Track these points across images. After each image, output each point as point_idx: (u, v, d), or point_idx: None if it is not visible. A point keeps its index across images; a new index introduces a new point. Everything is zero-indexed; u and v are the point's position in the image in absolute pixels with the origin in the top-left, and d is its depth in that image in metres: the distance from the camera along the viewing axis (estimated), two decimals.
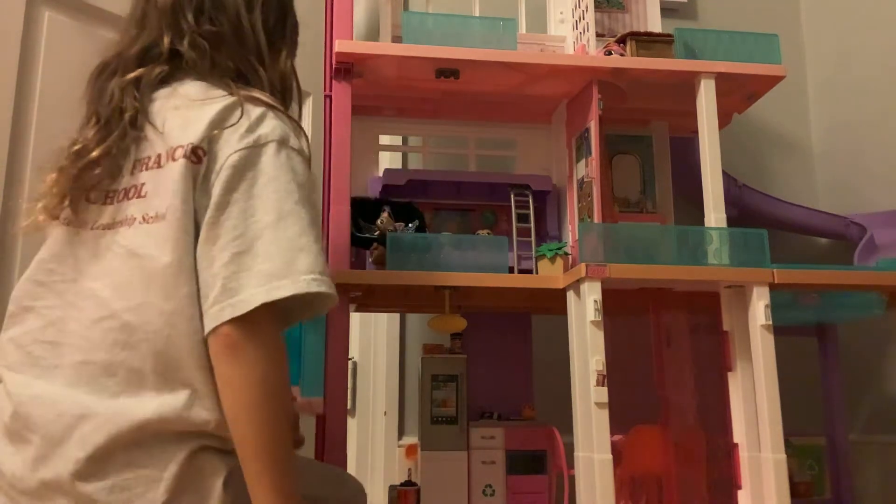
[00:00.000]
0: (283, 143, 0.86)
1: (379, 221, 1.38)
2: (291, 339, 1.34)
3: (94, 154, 0.86)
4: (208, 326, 0.79)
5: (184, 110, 0.88)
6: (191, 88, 0.91)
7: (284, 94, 0.99)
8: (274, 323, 0.80)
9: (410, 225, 1.41)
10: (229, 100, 0.87)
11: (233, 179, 0.82)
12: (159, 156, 0.86)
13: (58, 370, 0.81)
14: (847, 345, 1.81)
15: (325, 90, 1.43)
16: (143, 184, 0.85)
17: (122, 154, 0.87)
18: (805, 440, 1.68)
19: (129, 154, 0.87)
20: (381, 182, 1.55)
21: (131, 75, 0.89)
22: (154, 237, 0.82)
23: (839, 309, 1.58)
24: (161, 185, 0.84)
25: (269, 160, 0.84)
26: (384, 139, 1.70)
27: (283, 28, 1.01)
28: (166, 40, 0.92)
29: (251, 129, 0.85)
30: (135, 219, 0.84)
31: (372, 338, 1.97)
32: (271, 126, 0.86)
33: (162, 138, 0.86)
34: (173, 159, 0.84)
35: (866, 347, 1.90)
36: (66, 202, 0.87)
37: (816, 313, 1.64)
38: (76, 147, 0.88)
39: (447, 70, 1.43)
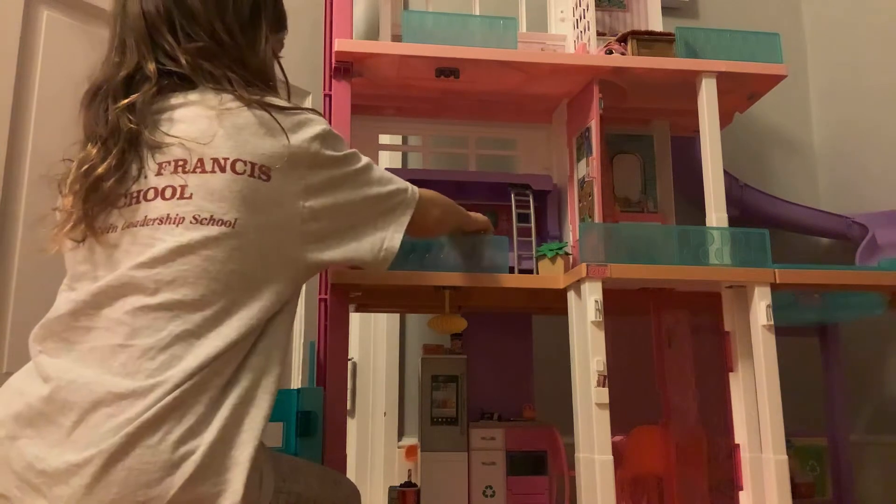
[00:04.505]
0: (327, 135, 0.95)
1: None
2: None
3: (100, 170, 0.88)
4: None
5: (214, 121, 0.89)
6: (206, 96, 0.92)
7: (267, 84, 1.00)
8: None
9: None
10: (257, 111, 0.91)
11: (323, 188, 0.94)
12: (201, 160, 0.87)
13: (94, 353, 0.82)
14: (849, 345, 1.80)
15: (324, 89, 1.43)
16: (183, 185, 0.87)
17: (131, 162, 0.89)
18: (806, 441, 1.67)
19: (142, 161, 0.89)
20: None
21: (124, 102, 0.90)
22: (222, 244, 0.85)
23: (841, 309, 1.58)
24: (216, 192, 0.86)
25: (331, 158, 0.95)
26: (384, 139, 1.70)
27: (258, 19, 1.02)
28: (151, 66, 0.92)
29: (301, 137, 0.92)
30: (183, 218, 0.86)
31: (372, 338, 1.97)
32: (308, 123, 0.94)
33: (188, 144, 0.88)
34: (235, 172, 0.87)
35: (868, 348, 1.89)
36: (84, 223, 0.88)
37: (818, 313, 1.63)
38: (84, 167, 0.89)
39: (447, 69, 1.42)
